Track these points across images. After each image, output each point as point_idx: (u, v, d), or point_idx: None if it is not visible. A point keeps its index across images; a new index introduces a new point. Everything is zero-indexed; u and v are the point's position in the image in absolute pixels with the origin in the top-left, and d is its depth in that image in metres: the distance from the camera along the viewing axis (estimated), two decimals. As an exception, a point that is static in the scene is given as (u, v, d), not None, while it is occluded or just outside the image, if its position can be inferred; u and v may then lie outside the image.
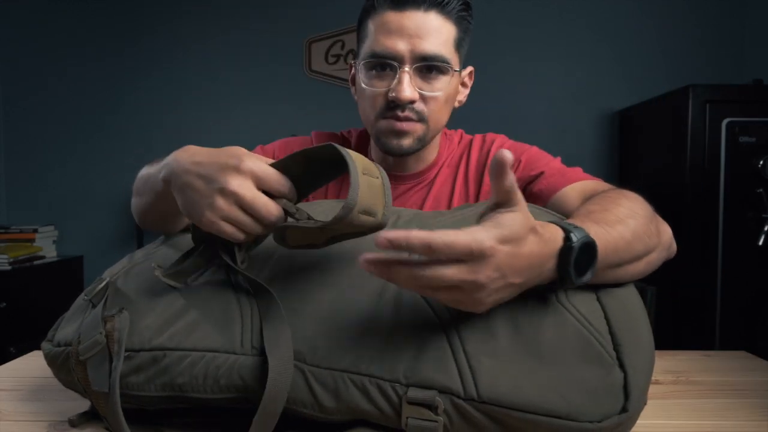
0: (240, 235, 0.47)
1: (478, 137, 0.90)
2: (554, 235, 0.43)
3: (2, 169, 2.73)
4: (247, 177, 0.46)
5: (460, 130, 0.94)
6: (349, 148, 0.90)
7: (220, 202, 0.46)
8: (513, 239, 0.38)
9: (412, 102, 0.76)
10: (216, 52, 2.67)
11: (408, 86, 0.74)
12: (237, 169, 0.46)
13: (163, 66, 2.69)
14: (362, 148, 0.92)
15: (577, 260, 0.43)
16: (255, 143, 0.98)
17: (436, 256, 0.36)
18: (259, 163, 0.47)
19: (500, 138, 0.88)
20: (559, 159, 0.82)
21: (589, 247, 0.44)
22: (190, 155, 0.51)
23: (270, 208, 0.46)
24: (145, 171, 0.67)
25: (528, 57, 2.63)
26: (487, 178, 0.84)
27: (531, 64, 2.62)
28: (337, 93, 2.66)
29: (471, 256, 0.37)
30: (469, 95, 0.90)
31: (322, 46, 2.66)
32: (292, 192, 0.49)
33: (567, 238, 0.43)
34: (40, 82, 2.70)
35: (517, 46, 2.62)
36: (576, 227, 0.44)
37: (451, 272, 0.37)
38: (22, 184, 2.73)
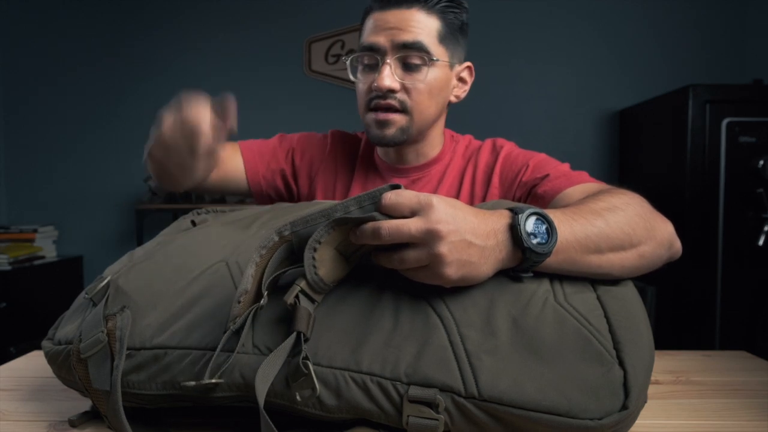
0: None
1: (488, 141, 0.90)
2: (500, 212, 0.47)
3: (2, 169, 2.73)
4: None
5: (468, 136, 0.95)
6: (358, 148, 0.94)
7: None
8: (444, 198, 0.45)
9: (393, 91, 0.78)
10: (216, 53, 2.68)
11: (387, 76, 0.78)
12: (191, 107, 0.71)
13: (163, 66, 2.69)
14: (369, 149, 0.94)
15: (535, 233, 0.46)
16: (255, 143, 0.98)
17: (396, 212, 0.44)
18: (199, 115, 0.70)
19: (509, 145, 0.89)
20: (567, 165, 0.82)
21: (539, 215, 0.47)
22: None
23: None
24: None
25: (528, 57, 2.63)
26: (494, 181, 0.85)
27: (531, 64, 2.63)
28: (337, 93, 2.67)
29: (419, 205, 0.43)
30: (470, 95, 0.90)
31: (322, 46, 2.66)
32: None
33: (513, 210, 0.47)
34: (41, 83, 2.70)
35: (517, 46, 2.62)
36: (527, 206, 0.47)
37: (414, 227, 0.43)
38: (22, 184, 2.74)
